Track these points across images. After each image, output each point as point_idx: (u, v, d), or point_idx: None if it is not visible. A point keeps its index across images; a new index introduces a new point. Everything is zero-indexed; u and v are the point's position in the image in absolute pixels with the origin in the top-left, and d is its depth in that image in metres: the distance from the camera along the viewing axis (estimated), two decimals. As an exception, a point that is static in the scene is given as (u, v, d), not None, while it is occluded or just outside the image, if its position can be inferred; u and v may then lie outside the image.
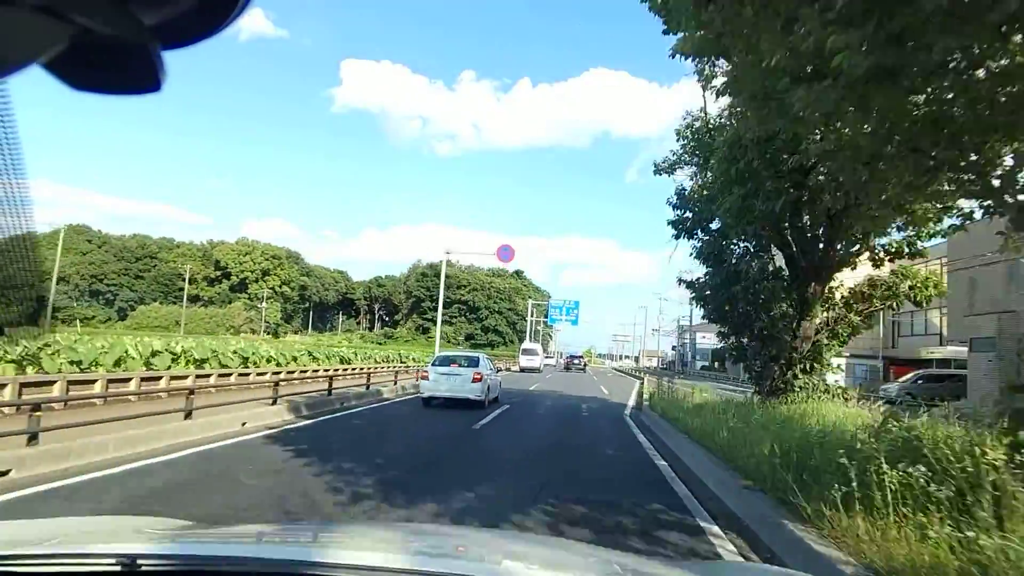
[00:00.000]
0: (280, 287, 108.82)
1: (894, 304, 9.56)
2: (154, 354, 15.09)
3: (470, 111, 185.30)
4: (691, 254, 11.26)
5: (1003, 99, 3.85)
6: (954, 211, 5.65)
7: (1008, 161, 4.47)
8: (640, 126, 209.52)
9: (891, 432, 5.12)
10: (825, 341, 9.96)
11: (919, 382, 31.14)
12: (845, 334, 10.11)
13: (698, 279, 11.34)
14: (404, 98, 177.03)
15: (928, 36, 3.31)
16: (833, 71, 3.54)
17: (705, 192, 11.37)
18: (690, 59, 6.12)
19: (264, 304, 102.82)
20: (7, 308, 0.73)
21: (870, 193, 5.57)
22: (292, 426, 11.22)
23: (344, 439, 10.18)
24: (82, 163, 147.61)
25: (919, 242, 9.04)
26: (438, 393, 15.35)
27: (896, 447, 4.52)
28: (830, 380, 10.38)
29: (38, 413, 7.08)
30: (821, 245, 9.84)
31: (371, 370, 19.93)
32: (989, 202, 4.77)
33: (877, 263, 9.18)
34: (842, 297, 10.20)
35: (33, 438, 6.89)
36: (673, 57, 6.02)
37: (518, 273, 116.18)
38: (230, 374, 16.42)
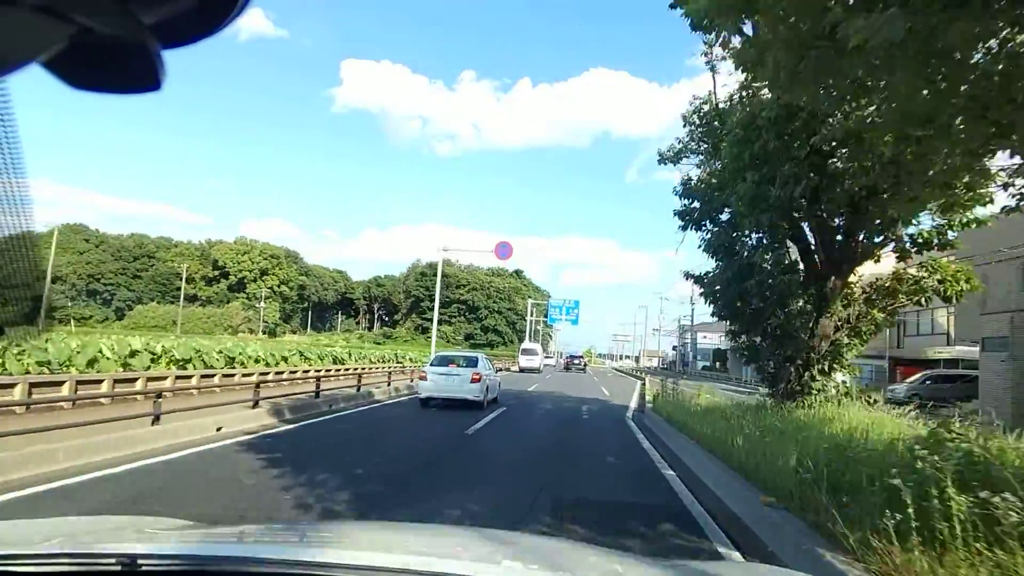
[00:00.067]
0: (278, 287, 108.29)
1: (922, 300, 8.81)
2: (132, 354, 14.34)
3: (470, 111, 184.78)
4: (699, 246, 10.54)
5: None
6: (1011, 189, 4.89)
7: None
8: (640, 126, 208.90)
9: (946, 446, 4.37)
10: (845, 340, 9.20)
11: (927, 383, 30.41)
12: (868, 332, 9.34)
13: (706, 274, 10.56)
14: (404, 98, 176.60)
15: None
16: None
17: (714, 180, 10.61)
18: (705, 21, 5.34)
19: (262, 304, 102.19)
20: (5, 308, 0.73)
21: (914, 171, 4.81)
22: (271, 431, 10.47)
23: (324, 446, 9.43)
24: (82, 163, 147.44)
25: (950, 232, 8.27)
26: (436, 394, 15.01)
27: (960, 466, 3.76)
28: (838, 380, 9.61)
29: (-24, 419, 6.32)
30: (839, 236, 9.09)
31: (362, 371, 19.17)
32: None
33: (903, 256, 8.42)
34: (863, 292, 9.44)
35: (-35, 448, 6.14)
36: (686, 17, 5.25)
37: (518, 273, 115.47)
38: (213, 375, 15.67)
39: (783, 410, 8.93)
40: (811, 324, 9.15)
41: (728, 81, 11.03)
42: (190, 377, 14.88)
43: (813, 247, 9.39)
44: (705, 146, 11.41)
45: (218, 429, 10.01)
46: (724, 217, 10.45)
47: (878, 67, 4.01)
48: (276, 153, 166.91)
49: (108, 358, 13.25)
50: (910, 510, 3.62)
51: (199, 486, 6.26)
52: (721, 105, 10.43)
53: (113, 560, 1.22)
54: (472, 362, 15.81)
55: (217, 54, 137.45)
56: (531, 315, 68.60)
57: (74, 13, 0.54)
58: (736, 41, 5.80)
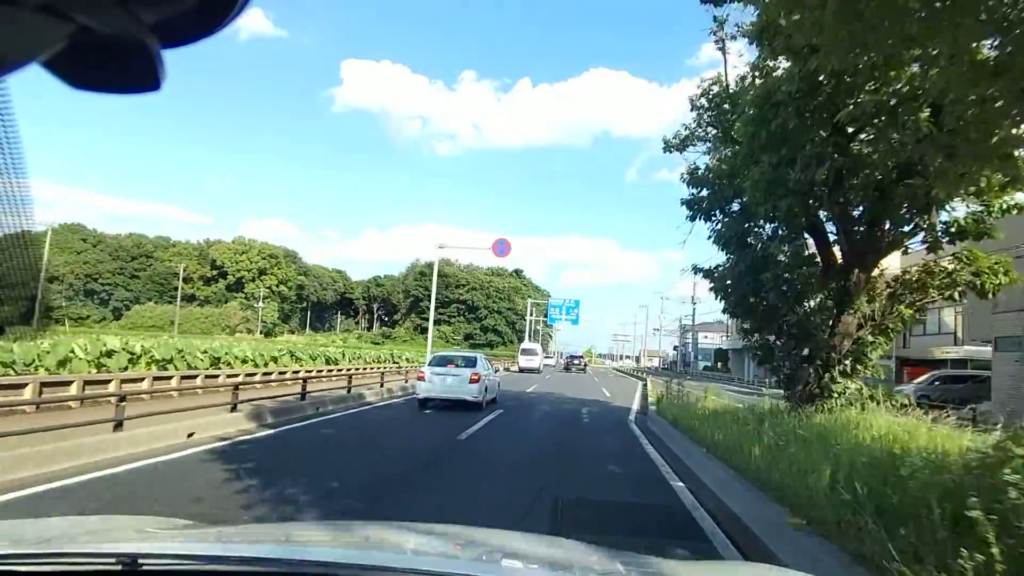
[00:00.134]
0: (277, 286, 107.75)
1: (955, 295, 8.05)
2: (108, 354, 13.59)
3: (470, 111, 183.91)
4: (709, 237, 9.77)
5: None
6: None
7: None
8: (640, 126, 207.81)
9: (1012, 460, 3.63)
10: (869, 338, 8.44)
11: (935, 383, 29.67)
12: (896, 330, 8.57)
13: (717, 267, 9.78)
14: (404, 98, 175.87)
15: None
16: None
17: (724, 167, 9.85)
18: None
19: (261, 304, 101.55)
20: (2, 308, 0.73)
21: (972, 137, 4.07)
22: (248, 437, 9.72)
23: (302, 454, 8.68)
24: (82, 163, 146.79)
25: (988, 219, 7.49)
26: (434, 394, 14.74)
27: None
28: (852, 387, 8.83)
29: None
30: (862, 226, 8.33)
31: (353, 372, 18.43)
32: None
33: (934, 246, 7.66)
34: (887, 286, 8.70)
35: None
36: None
37: (517, 272, 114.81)
38: (196, 376, 14.92)
39: (800, 415, 8.18)
40: (831, 321, 8.40)
41: (738, 63, 10.28)
42: (169, 378, 14.14)
43: (834, 238, 8.64)
44: (714, 131, 10.64)
45: (189, 435, 9.26)
46: (736, 207, 9.69)
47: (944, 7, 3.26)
48: (276, 153, 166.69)
49: (80, 358, 12.50)
50: (994, 550, 2.88)
51: (143, 506, 5.49)
52: (732, 87, 9.66)
53: (114, 560, 1.21)
54: (471, 362, 15.51)
55: (217, 54, 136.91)
56: (531, 315, 67.85)
57: (74, 12, 0.54)
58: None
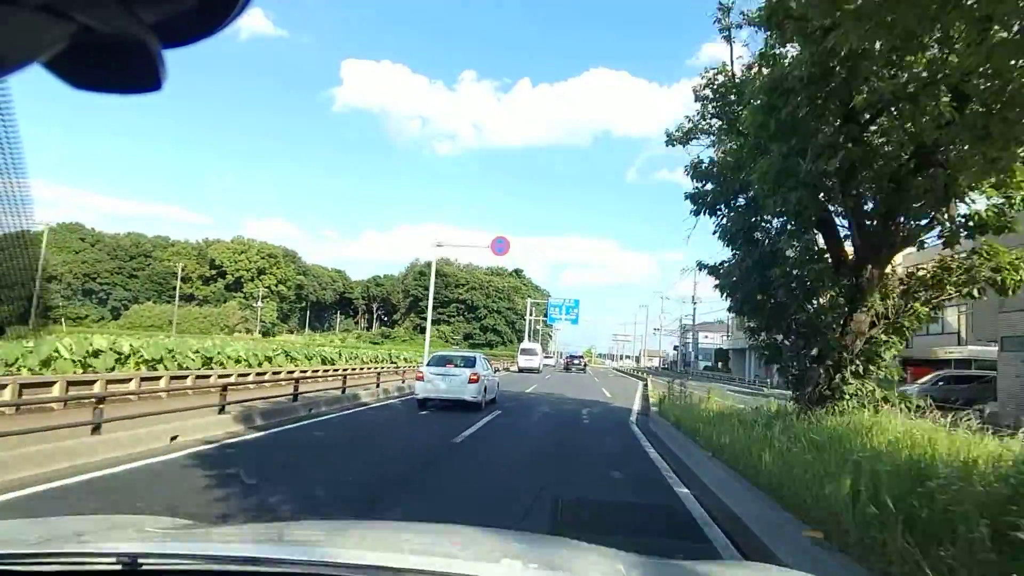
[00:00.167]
0: (276, 286, 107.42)
1: (973, 292, 7.67)
2: (95, 354, 13.22)
3: (470, 111, 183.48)
4: (714, 233, 9.40)
5: None
6: None
7: None
8: (640, 126, 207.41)
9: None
10: (883, 337, 8.07)
11: (939, 383, 29.33)
12: (912, 328, 8.18)
13: (722, 263, 9.39)
14: (404, 98, 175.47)
15: None
16: None
17: (730, 159, 9.47)
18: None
19: (259, 303, 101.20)
20: (2, 307, 0.73)
21: (1009, 118, 3.70)
22: (235, 440, 9.35)
23: (289, 459, 8.31)
24: (82, 163, 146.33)
25: (1009, 211, 7.08)
26: (433, 395, 14.63)
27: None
28: (867, 389, 8.44)
29: None
30: (874, 220, 7.96)
31: (348, 372, 18.07)
32: None
33: (951, 241, 7.27)
34: (900, 283, 8.32)
35: None
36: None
37: (517, 272, 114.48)
38: (186, 376, 14.54)
39: (810, 417, 7.81)
40: (843, 320, 8.02)
41: (743, 53, 9.89)
42: (158, 379, 13.76)
43: (845, 233, 8.26)
44: (719, 123, 10.27)
45: (173, 439, 8.90)
46: (742, 201, 9.30)
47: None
48: (277, 153, 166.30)
49: (64, 358, 12.13)
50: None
51: (124, 511, 5.12)
52: (739, 76, 9.27)
53: (114, 559, 1.21)
54: (470, 362, 15.38)
55: (217, 54, 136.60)
56: (530, 314, 67.49)
57: (75, 12, 0.54)
58: None
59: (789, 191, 7.37)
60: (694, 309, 67.27)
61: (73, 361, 12.60)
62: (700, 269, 9.46)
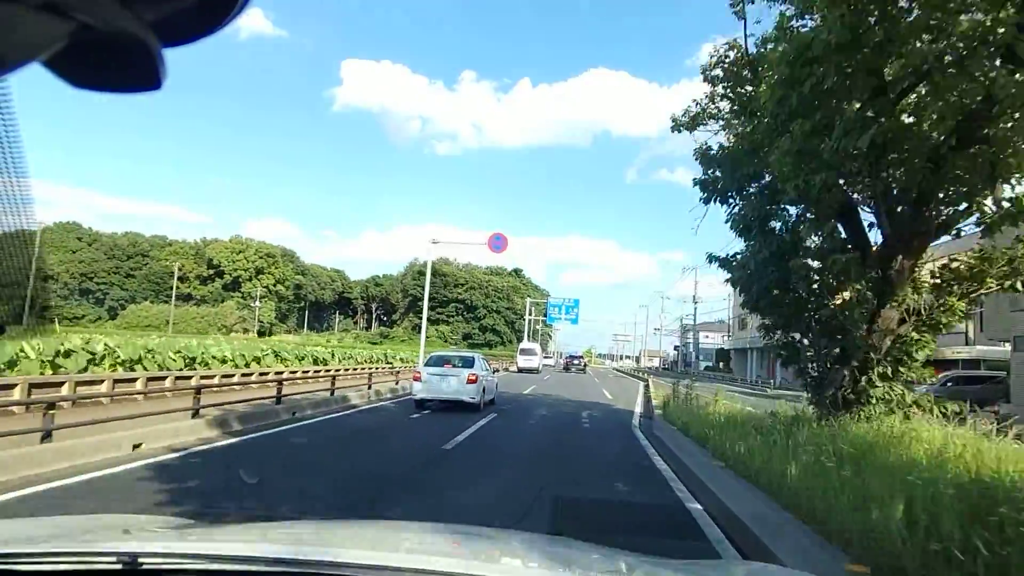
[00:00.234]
0: (274, 286, 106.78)
1: (1017, 285, 6.91)
2: (66, 354, 12.47)
3: (470, 111, 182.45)
4: (726, 222, 8.64)
5: None
6: None
7: None
8: (640, 126, 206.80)
9: None
10: (914, 335, 7.32)
11: (948, 384, 28.59)
12: (949, 325, 7.41)
13: (735, 256, 8.61)
14: (404, 98, 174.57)
15: None
16: None
17: (741, 146, 8.72)
18: None
19: (257, 303, 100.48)
20: (2, 306, 0.73)
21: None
22: (204, 448, 8.61)
23: (262, 469, 7.53)
24: (82, 162, 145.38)
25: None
26: (431, 395, 14.49)
27: None
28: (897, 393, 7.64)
29: None
30: (904, 207, 7.20)
31: (337, 373, 17.34)
32: None
33: (992, 228, 6.49)
34: (932, 276, 7.57)
35: None
36: None
37: (517, 272, 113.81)
38: (164, 377, 13.78)
39: (833, 424, 7.07)
40: (870, 316, 7.26)
41: (754, 30, 9.15)
42: (134, 380, 13.02)
43: (875, 219, 7.51)
44: (730, 104, 9.51)
45: (135, 446, 8.16)
46: (756, 187, 8.53)
47: None
48: (277, 153, 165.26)
49: (31, 358, 11.37)
50: None
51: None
52: (755, 47, 8.50)
53: (114, 558, 1.21)
54: (468, 362, 15.20)
55: (217, 53, 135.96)
56: (530, 314, 66.75)
57: (75, 11, 0.54)
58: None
59: (812, 173, 6.61)
60: (695, 309, 66.57)
61: (42, 362, 11.85)
62: (711, 262, 8.69)
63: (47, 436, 7.28)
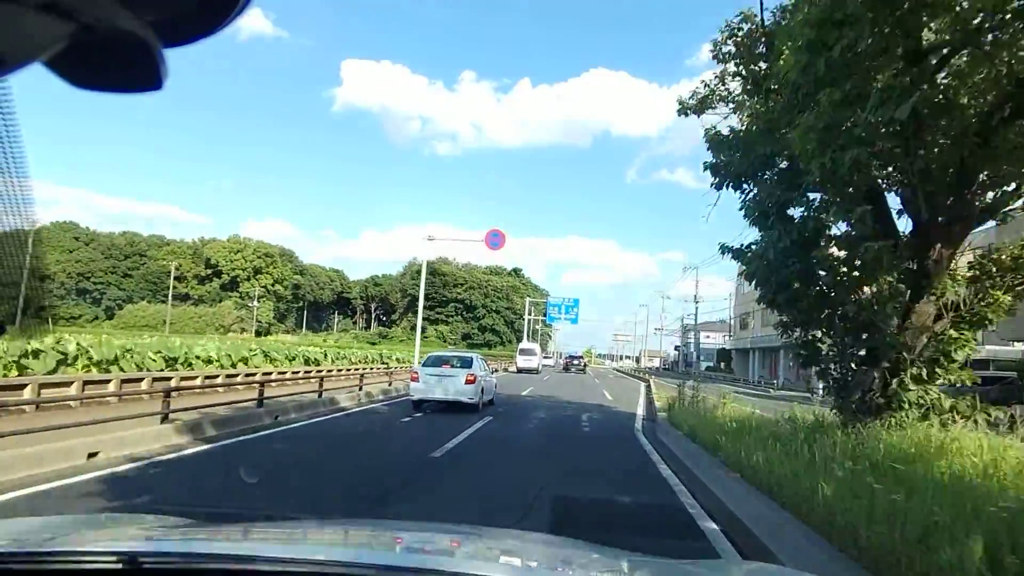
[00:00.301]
0: (272, 286, 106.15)
1: (1073, 275, 6.19)
2: (34, 354, 11.73)
3: (470, 111, 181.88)
4: (740, 209, 7.86)
5: None
6: None
7: None
8: (640, 126, 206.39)
9: None
10: (953, 333, 6.57)
11: (959, 385, 27.64)
12: (995, 320, 6.64)
13: (749, 246, 7.82)
14: (404, 98, 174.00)
15: None
16: None
17: (758, 124, 7.98)
18: None
19: (255, 303, 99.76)
20: (1, 306, 0.74)
21: None
22: (170, 456, 7.87)
23: (228, 482, 6.79)
24: (82, 162, 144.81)
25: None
26: (428, 396, 14.29)
27: None
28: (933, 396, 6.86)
29: None
30: (942, 188, 6.45)
31: (326, 374, 16.62)
32: None
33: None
34: (969, 267, 6.84)
35: None
36: None
37: (516, 271, 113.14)
38: (141, 379, 13.05)
39: (861, 431, 6.33)
40: (904, 311, 6.51)
41: (770, 3, 8.42)
42: (107, 382, 12.28)
43: (902, 205, 6.77)
44: (743, 83, 8.77)
45: (91, 455, 7.41)
46: (772, 171, 7.79)
47: None
48: (276, 153, 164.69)
49: (-8, 359, 10.64)
50: None
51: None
52: (772, 15, 7.71)
53: (115, 558, 1.20)
54: (466, 363, 15.03)
55: (217, 53, 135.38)
56: (529, 314, 66.02)
57: (75, 11, 0.54)
58: None
59: (840, 150, 5.86)
60: (696, 308, 65.85)
61: (6, 364, 11.12)
62: (724, 253, 7.92)
63: (-13, 445, 6.54)
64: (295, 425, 11.41)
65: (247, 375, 16.82)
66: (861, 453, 5.54)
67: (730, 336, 73.01)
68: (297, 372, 19.84)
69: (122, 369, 13.62)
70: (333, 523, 2.81)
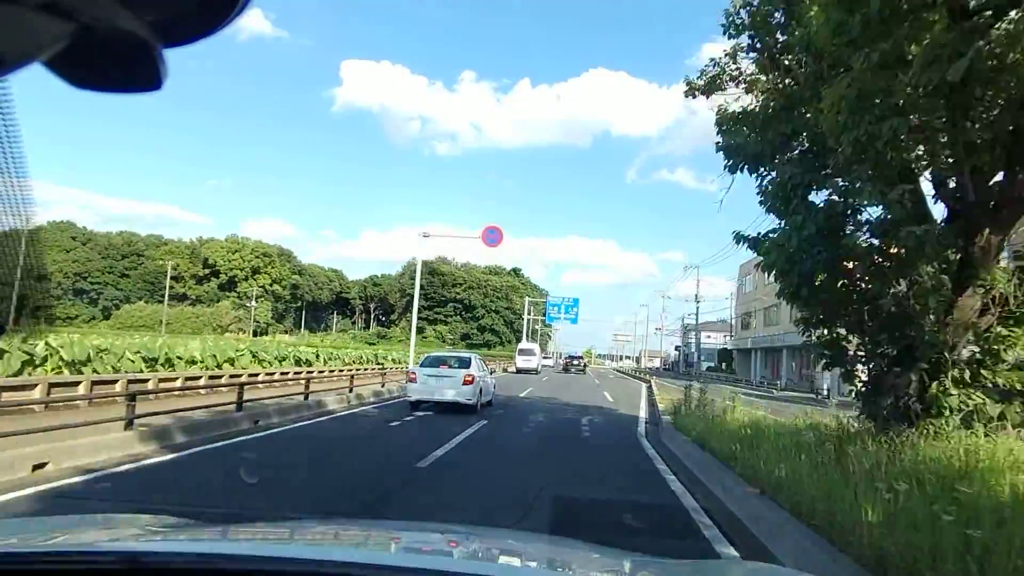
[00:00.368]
0: (270, 286, 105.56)
1: None
2: (-2, 355, 11.00)
3: (470, 111, 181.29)
4: (758, 193, 7.08)
5: None
6: None
7: None
8: (640, 126, 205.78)
9: None
10: (1001, 330, 5.79)
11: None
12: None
13: (766, 235, 7.03)
14: (404, 98, 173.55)
15: None
16: None
17: (775, 102, 7.22)
18: None
19: (253, 303, 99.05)
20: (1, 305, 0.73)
21: None
22: (127, 467, 7.12)
23: (186, 496, 6.07)
24: (82, 163, 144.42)
25: None
26: (426, 396, 14.14)
27: None
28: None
29: None
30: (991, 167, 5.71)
31: (313, 375, 15.89)
32: None
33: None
34: (1017, 256, 6.08)
35: None
36: None
37: (516, 271, 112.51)
38: (115, 381, 12.30)
39: (897, 442, 5.59)
40: (947, 305, 5.76)
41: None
42: (76, 384, 11.54)
43: (934, 189, 6.02)
44: (757, 57, 8.01)
45: (37, 467, 6.66)
46: (793, 152, 7.04)
47: None
48: (276, 153, 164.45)
49: (-53, 361, 9.90)
50: None
51: None
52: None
53: (114, 558, 1.18)
54: (464, 363, 14.81)
55: (217, 54, 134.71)
56: (528, 313, 65.28)
57: (75, 11, 0.54)
58: None
59: (877, 121, 5.12)
60: (697, 308, 65.13)
61: (-35, 364, 10.37)
62: (739, 242, 7.13)
63: (-90, 457, 5.81)
64: (275, 430, 10.67)
65: (232, 376, 16.06)
66: (904, 468, 4.79)
67: (731, 336, 72.28)
68: (286, 373, 19.08)
69: (96, 371, 12.87)
70: (333, 523, 2.83)
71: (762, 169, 7.33)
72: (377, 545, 1.71)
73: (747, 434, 8.11)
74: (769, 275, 6.84)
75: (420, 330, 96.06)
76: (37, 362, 11.87)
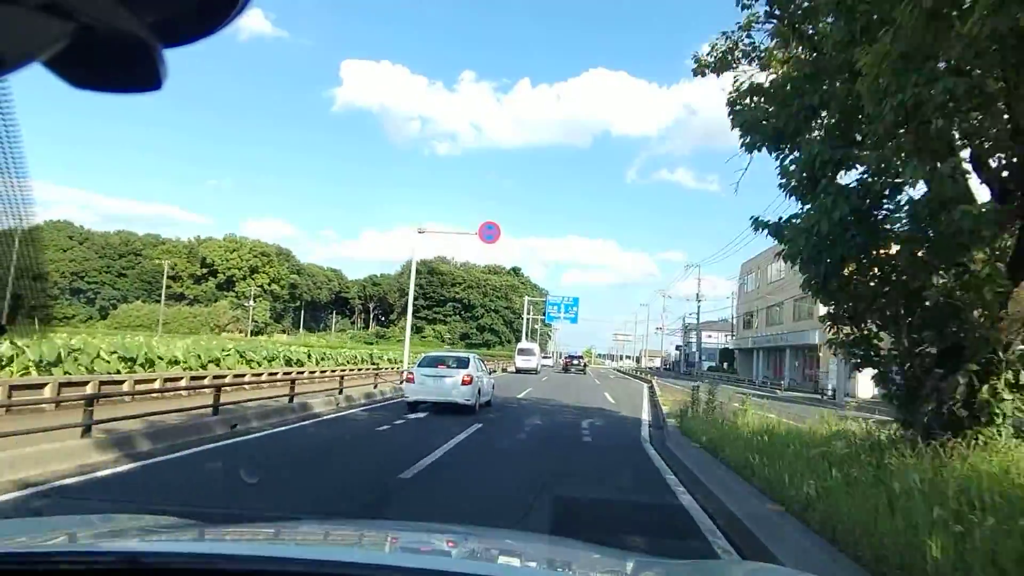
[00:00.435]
0: (269, 285, 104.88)
1: None
2: (-43, 355, 10.27)
3: (470, 111, 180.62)
4: (779, 174, 6.28)
5: None
6: None
7: None
8: (640, 126, 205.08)
9: None
10: (1065, 327, 5.08)
11: None
12: None
13: (788, 220, 6.25)
14: (404, 98, 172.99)
15: None
16: None
17: (798, 71, 6.47)
18: None
19: (251, 303, 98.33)
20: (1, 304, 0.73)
21: None
22: (75, 480, 6.39)
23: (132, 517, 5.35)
24: (82, 162, 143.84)
25: None
26: (424, 397, 13.89)
27: None
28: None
29: None
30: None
31: (297, 376, 15.15)
32: None
33: None
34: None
35: None
36: None
37: (515, 270, 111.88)
38: (85, 383, 11.56)
39: (943, 455, 4.87)
40: (1004, 298, 5.02)
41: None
42: (41, 387, 10.80)
43: (980, 166, 5.29)
44: (776, 26, 7.27)
45: (-31, 481, 5.94)
46: (817, 132, 6.29)
47: None
48: (276, 153, 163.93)
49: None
50: None
51: None
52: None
53: (115, 558, 1.17)
54: (463, 363, 14.60)
55: (217, 54, 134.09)
56: (528, 313, 64.56)
57: (75, 11, 0.54)
58: None
59: (925, 84, 4.39)
60: (698, 307, 64.43)
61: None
62: (757, 229, 6.33)
63: None
64: (252, 437, 9.93)
65: (216, 377, 15.30)
66: (962, 488, 4.05)
67: (733, 335, 71.51)
68: (275, 374, 18.34)
69: (66, 372, 12.13)
70: (333, 523, 2.81)
71: (784, 147, 6.58)
72: (377, 545, 1.72)
73: (762, 442, 7.37)
74: (793, 265, 6.10)
75: (419, 330, 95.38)
76: (3, 363, 11.13)
